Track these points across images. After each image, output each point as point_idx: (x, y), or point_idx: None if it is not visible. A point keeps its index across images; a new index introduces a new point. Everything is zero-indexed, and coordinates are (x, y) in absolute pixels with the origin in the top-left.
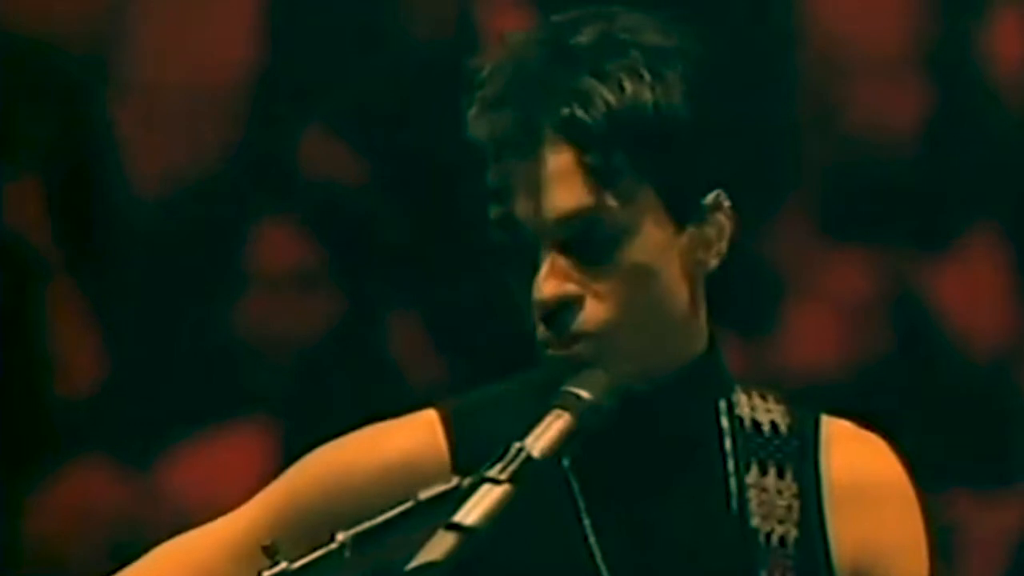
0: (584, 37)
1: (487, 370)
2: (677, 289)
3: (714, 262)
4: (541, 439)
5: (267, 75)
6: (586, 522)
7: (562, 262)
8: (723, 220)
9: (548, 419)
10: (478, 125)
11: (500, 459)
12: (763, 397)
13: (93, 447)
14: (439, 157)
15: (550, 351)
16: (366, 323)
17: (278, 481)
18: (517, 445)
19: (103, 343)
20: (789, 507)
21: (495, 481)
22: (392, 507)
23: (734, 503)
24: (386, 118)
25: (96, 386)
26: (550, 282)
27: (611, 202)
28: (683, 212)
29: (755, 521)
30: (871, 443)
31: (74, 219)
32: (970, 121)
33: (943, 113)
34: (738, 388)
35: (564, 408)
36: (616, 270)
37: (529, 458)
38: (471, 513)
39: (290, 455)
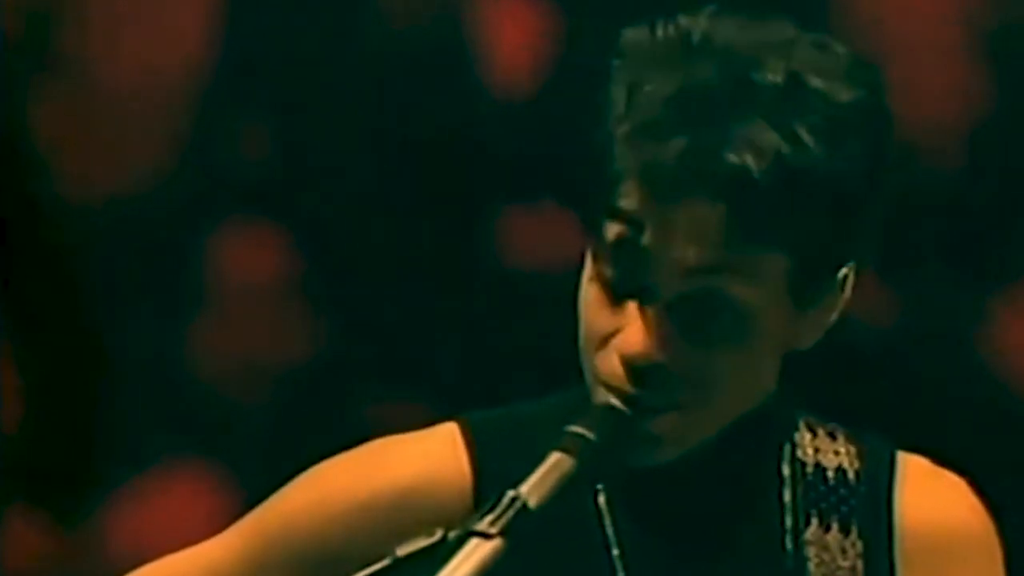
0: (769, 75)
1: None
2: (771, 365)
3: (814, 340)
4: (538, 487)
5: (231, 57)
6: (619, 574)
7: (665, 322)
8: (843, 299)
9: (547, 463)
10: (629, 146)
11: (491, 509)
12: (832, 435)
13: (16, 497)
14: (425, 153)
15: (610, 404)
16: (347, 351)
17: (268, 502)
18: (511, 493)
19: (24, 374)
20: (853, 568)
21: (484, 535)
22: (368, 564)
23: (790, 563)
24: (364, 110)
25: (16, 425)
26: (648, 338)
27: (747, 272)
28: (808, 293)
29: None
30: (949, 485)
31: None
32: None
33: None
34: (803, 425)
35: (565, 451)
36: (718, 350)
37: (524, 508)
38: (456, 572)
39: (246, 507)
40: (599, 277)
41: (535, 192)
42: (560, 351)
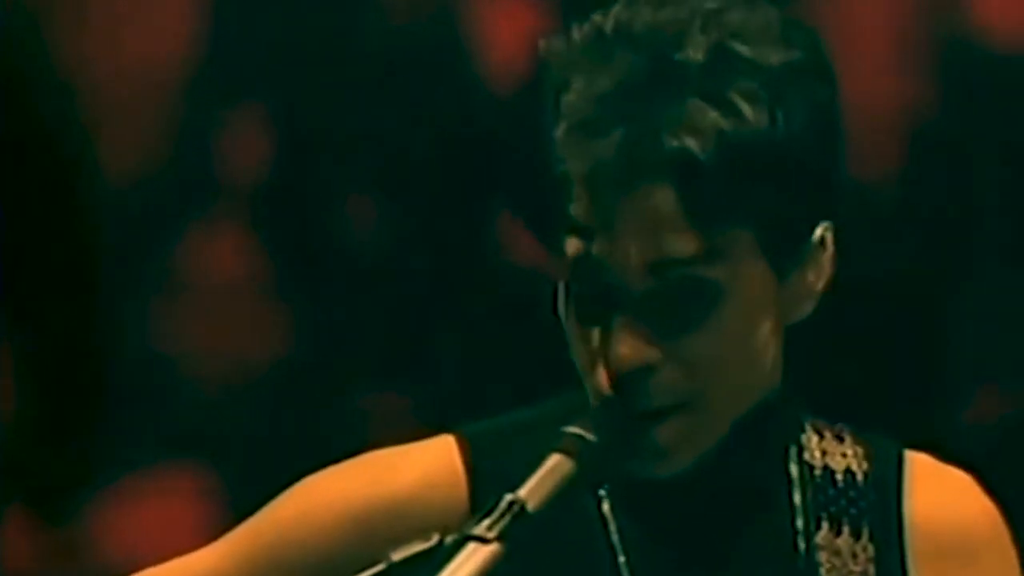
0: (693, 51)
1: (468, 408)
2: (767, 346)
3: (809, 308)
4: (537, 490)
5: (228, 54)
6: None
7: (641, 322)
8: (825, 260)
9: (546, 466)
10: (568, 150)
11: (488, 513)
12: (839, 437)
13: (15, 497)
14: (412, 153)
15: (609, 403)
16: (322, 351)
17: (260, 514)
18: (509, 497)
19: (21, 375)
20: (864, 573)
21: (482, 540)
22: (361, 569)
23: (801, 565)
24: (362, 107)
25: (4, 423)
26: (627, 343)
27: (712, 253)
28: (786, 260)
29: None
30: (957, 482)
31: None
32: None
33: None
34: (809, 427)
35: (564, 452)
36: (703, 334)
37: (523, 512)
38: None
39: (234, 509)
40: (573, 298)
41: (533, 189)
42: (561, 346)
